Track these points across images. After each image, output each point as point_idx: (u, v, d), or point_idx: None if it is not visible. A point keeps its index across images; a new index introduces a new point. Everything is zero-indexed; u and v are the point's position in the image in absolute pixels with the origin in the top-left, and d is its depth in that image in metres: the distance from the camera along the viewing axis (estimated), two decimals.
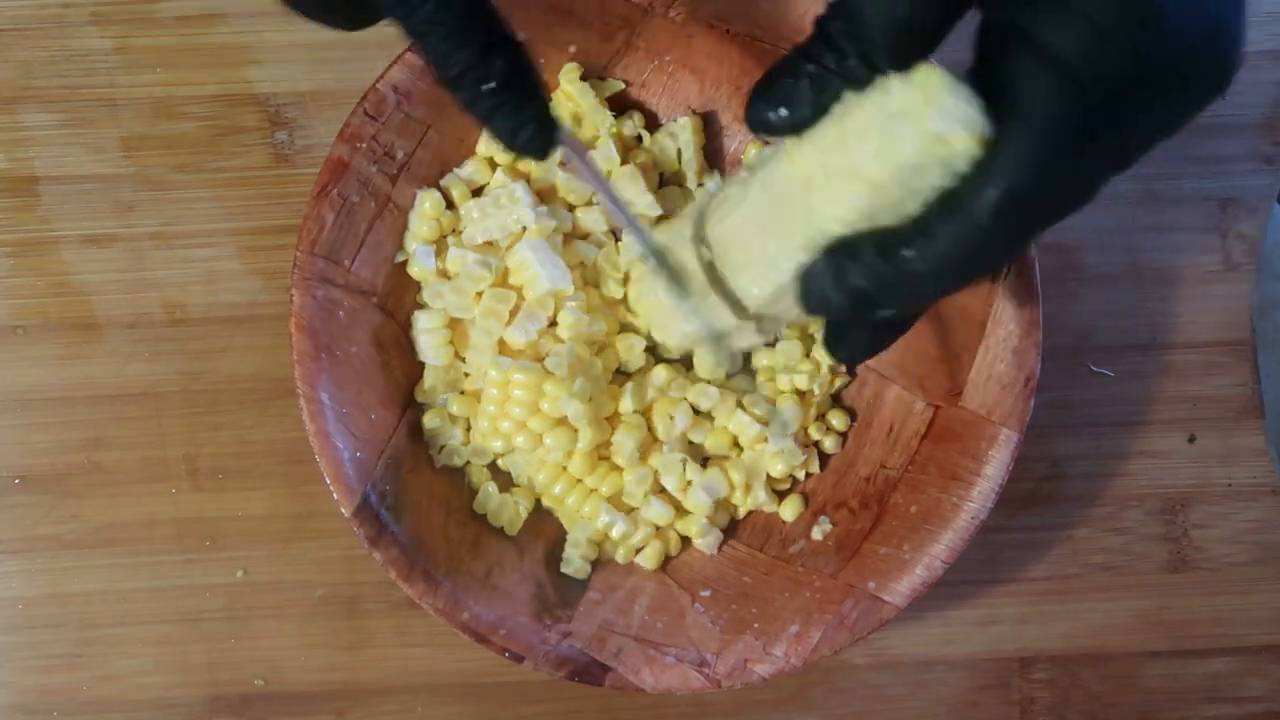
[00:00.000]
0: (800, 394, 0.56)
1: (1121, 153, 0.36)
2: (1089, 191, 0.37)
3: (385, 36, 0.55)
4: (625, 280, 0.55)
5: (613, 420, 0.55)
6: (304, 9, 0.42)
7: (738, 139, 0.57)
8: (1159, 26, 0.34)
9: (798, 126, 0.40)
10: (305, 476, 0.57)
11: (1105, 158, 0.36)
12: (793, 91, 0.39)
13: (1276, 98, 0.60)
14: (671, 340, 0.50)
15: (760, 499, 0.55)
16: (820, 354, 0.55)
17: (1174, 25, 0.34)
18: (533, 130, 0.42)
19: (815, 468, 0.56)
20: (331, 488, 0.51)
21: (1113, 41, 0.34)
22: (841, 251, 0.39)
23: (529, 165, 0.55)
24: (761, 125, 0.40)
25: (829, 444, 0.56)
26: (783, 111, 0.40)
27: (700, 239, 0.46)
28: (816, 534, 0.55)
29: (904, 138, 0.36)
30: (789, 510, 0.56)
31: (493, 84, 0.40)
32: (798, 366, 0.55)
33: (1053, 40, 0.34)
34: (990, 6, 0.36)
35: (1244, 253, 0.60)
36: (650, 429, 0.55)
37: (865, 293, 0.39)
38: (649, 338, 0.54)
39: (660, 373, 0.55)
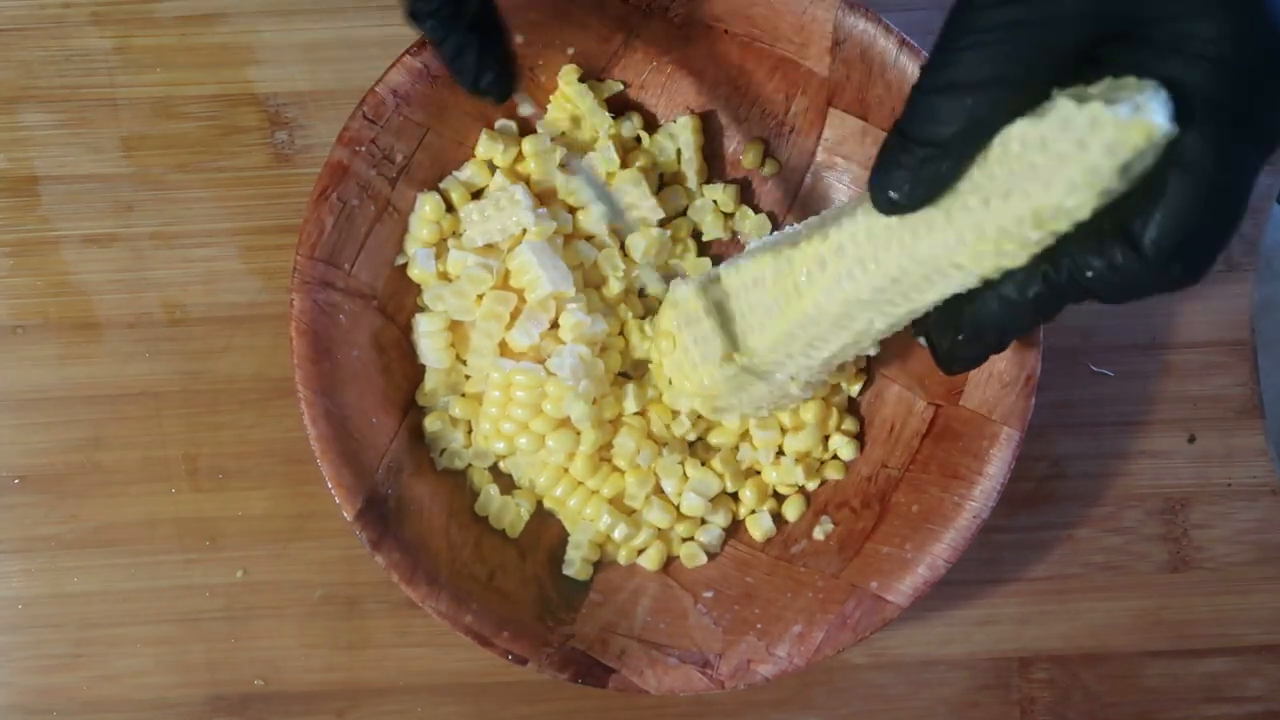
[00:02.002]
0: (823, 400, 0.56)
1: (1269, 145, 0.37)
2: (1245, 195, 0.38)
3: (385, 36, 0.56)
4: (651, 337, 0.55)
5: (615, 422, 0.55)
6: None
7: (736, 139, 0.57)
8: (1274, 44, 0.36)
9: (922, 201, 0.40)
10: (305, 476, 0.57)
11: (1251, 159, 0.37)
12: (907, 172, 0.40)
13: None
14: (696, 395, 0.52)
15: (767, 525, 0.56)
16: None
17: None
18: (495, 72, 0.43)
19: (836, 474, 0.56)
20: (333, 492, 0.51)
21: (1236, 64, 0.35)
22: (1016, 277, 0.40)
23: (528, 168, 0.55)
24: (887, 206, 0.41)
25: (846, 452, 0.56)
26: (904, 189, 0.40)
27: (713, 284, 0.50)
28: (818, 534, 0.55)
29: (1102, 144, 0.36)
30: (791, 510, 0.56)
31: (463, 22, 0.42)
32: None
33: (1181, 77, 0.36)
34: (1097, 64, 0.37)
35: (1244, 253, 0.60)
36: (650, 433, 0.55)
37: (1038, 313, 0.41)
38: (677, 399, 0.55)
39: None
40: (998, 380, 0.53)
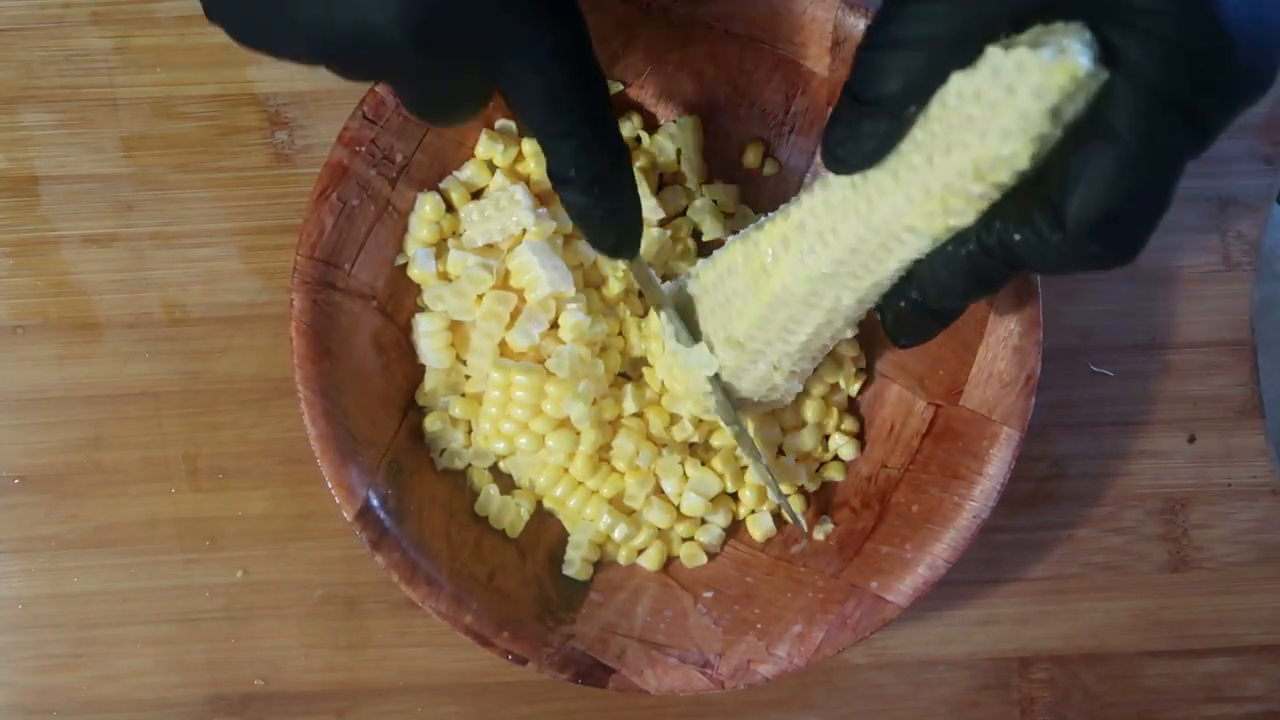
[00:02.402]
0: (822, 398, 0.56)
1: (1200, 137, 0.37)
2: (1169, 178, 0.37)
3: None
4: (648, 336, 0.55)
5: (614, 423, 0.55)
6: (427, 115, 0.45)
7: (736, 140, 0.57)
8: (1218, 33, 0.35)
9: (870, 160, 0.41)
10: (305, 476, 0.57)
11: (1179, 144, 0.37)
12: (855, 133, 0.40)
13: (1277, 98, 0.60)
14: (685, 398, 0.53)
15: (767, 525, 0.56)
16: (844, 350, 0.56)
17: (1232, 32, 0.35)
18: (633, 240, 0.46)
19: (836, 475, 0.56)
20: (333, 492, 0.51)
21: (1176, 46, 0.35)
22: (950, 245, 0.41)
23: (528, 168, 0.55)
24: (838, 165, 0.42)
25: (847, 451, 0.56)
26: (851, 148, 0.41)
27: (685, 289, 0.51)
28: (818, 534, 0.55)
29: (1029, 88, 0.36)
30: (795, 505, 0.56)
31: (615, 195, 0.44)
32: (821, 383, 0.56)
33: (1119, 45, 0.35)
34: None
35: (1244, 252, 0.60)
36: (650, 434, 0.55)
37: (973, 282, 0.41)
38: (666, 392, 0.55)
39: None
40: (998, 380, 0.53)
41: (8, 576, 0.58)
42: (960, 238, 0.41)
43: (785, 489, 0.56)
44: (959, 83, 0.37)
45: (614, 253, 0.46)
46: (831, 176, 0.43)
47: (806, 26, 0.53)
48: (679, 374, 0.52)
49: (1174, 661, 0.60)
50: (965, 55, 0.37)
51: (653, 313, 0.53)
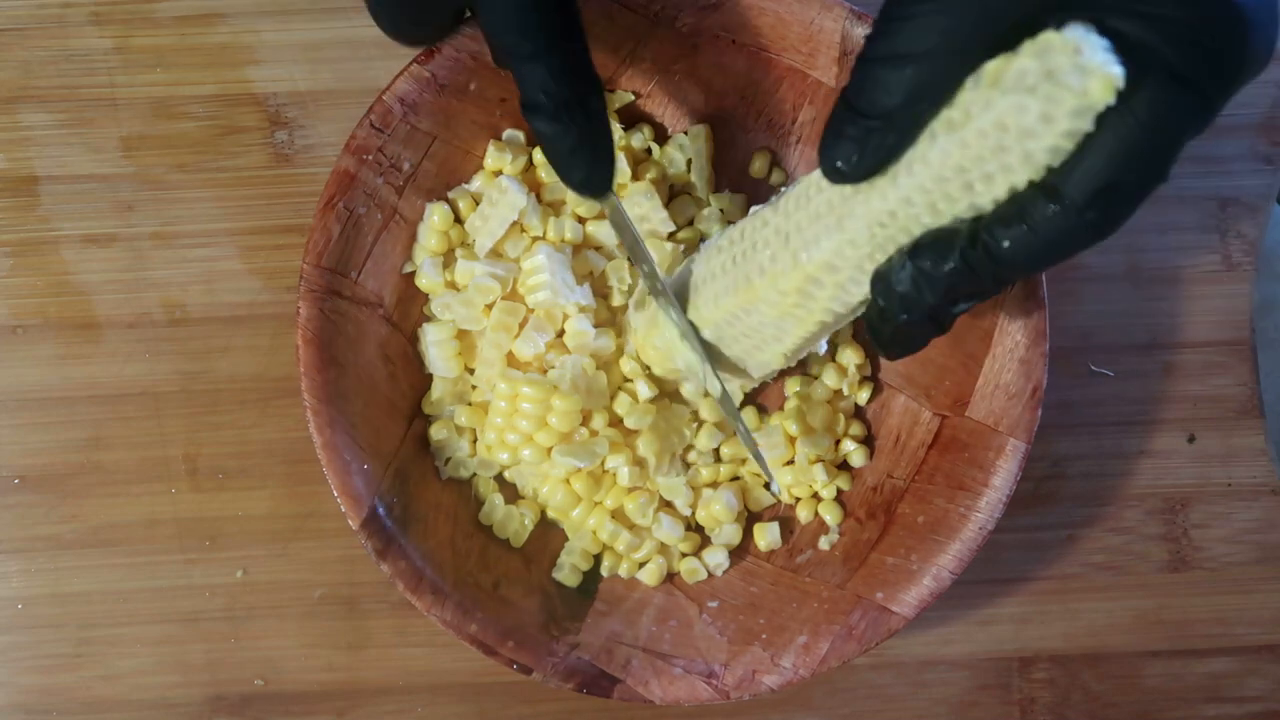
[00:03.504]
0: (829, 403, 0.56)
1: (1208, 114, 0.37)
2: (1173, 157, 0.38)
3: (384, 36, 0.55)
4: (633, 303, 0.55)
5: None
6: (389, 24, 0.44)
7: (743, 149, 0.57)
8: (1240, 17, 0.35)
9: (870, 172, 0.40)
10: (305, 476, 0.57)
11: (1187, 124, 0.37)
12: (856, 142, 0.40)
13: (1276, 98, 0.60)
14: (661, 367, 0.52)
15: (773, 536, 0.56)
16: (847, 358, 0.56)
17: (1250, 14, 0.35)
18: (603, 171, 0.44)
19: (843, 484, 0.56)
20: (339, 500, 0.51)
21: (1184, 24, 0.35)
22: (929, 250, 0.40)
23: (539, 177, 0.55)
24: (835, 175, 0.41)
25: (857, 458, 0.56)
26: (853, 159, 0.40)
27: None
28: (824, 544, 0.55)
29: (1068, 112, 0.36)
30: (803, 511, 0.56)
31: (584, 123, 0.43)
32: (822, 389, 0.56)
33: (1127, 31, 0.35)
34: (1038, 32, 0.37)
35: (1244, 252, 0.60)
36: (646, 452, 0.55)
37: (955, 284, 0.40)
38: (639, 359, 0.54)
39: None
40: (1004, 392, 0.53)
41: (8, 576, 0.58)
42: (938, 250, 0.40)
43: (798, 493, 0.56)
44: (984, 119, 0.37)
45: (584, 188, 0.45)
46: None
47: (814, 37, 0.53)
48: (658, 327, 0.51)
49: (1174, 661, 0.60)
50: (968, 65, 0.37)
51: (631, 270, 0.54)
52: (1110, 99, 0.35)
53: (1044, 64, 0.36)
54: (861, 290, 0.43)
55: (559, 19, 0.42)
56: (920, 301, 0.41)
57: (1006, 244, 0.38)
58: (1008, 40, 0.37)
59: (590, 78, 0.43)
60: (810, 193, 0.44)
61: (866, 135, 0.39)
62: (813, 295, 0.44)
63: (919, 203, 0.40)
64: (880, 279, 0.42)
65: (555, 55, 0.42)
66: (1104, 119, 0.36)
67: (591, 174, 0.44)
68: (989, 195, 0.38)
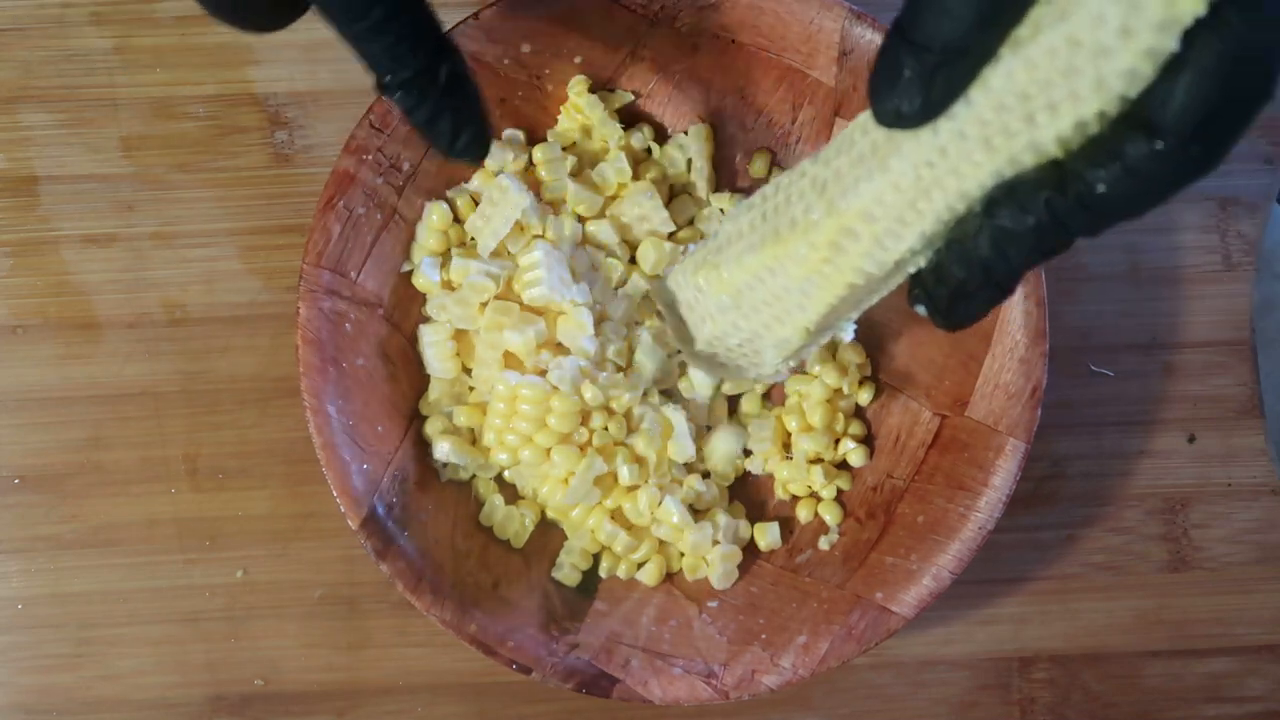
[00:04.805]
0: (829, 402, 0.56)
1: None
2: (1278, 70, 0.34)
3: None
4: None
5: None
6: (215, 8, 0.42)
7: (743, 149, 0.57)
8: None
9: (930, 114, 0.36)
10: (305, 476, 0.57)
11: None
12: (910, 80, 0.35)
13: (1276, 99, 0.60)
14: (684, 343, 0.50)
15: (773, 536, 0.56)
16: (848, 357, 0.56)
17: None
18: (472, 135, 0.42)
19: (843, 484, 0.56)
20: (339, 500, 0.51)
21: None
22: (1007, 204, 0.36)
23: (539, 175, 0.55)
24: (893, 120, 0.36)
25: (856, 458, 0.56)
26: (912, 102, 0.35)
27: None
28: (823, 544, 0.55)
29: (1150, 23, 0.31)
30: (803, 511, 0.56)
31: (436, 90, 0.41)
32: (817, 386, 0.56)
33: None
34: None
35: (1244, 252, 0.60)
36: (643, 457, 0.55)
37: (1041, 240, 0.36)
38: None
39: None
40: (1004, 392, 0.53)
41: (8, 576, 0.58)
42: (1018, 204, 0.36)
43: (796, 490, 0.56)
44: (1055, 34, 0.33)
45: (456, 156, 0.43)
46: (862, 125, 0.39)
47: (814, 36, 0.53)
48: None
49: (1174, 661, 0.60)
50: None
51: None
52: (1200, 9, 0.31)
53: None
54: (898, 247, 0.39)
55: None
56: (1003, 264, 0.37)
57: (1102, 189, 0.34)
58: None
59: (434, 47, 0.41)
60: (855, 136, 0.39)
61: (931, 72, 0.34)
62: (845, 250, 0.40)
63: (973, 137, 0.35)
64: (955, 246, 0.38)
65: (389, 34, 0.39)
66: (1194, 36, 0.32)
67: (453, 143, 0.43)
68: (1052, 129, 0.34)
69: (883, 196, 0.38)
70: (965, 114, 0.35)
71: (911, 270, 0.39)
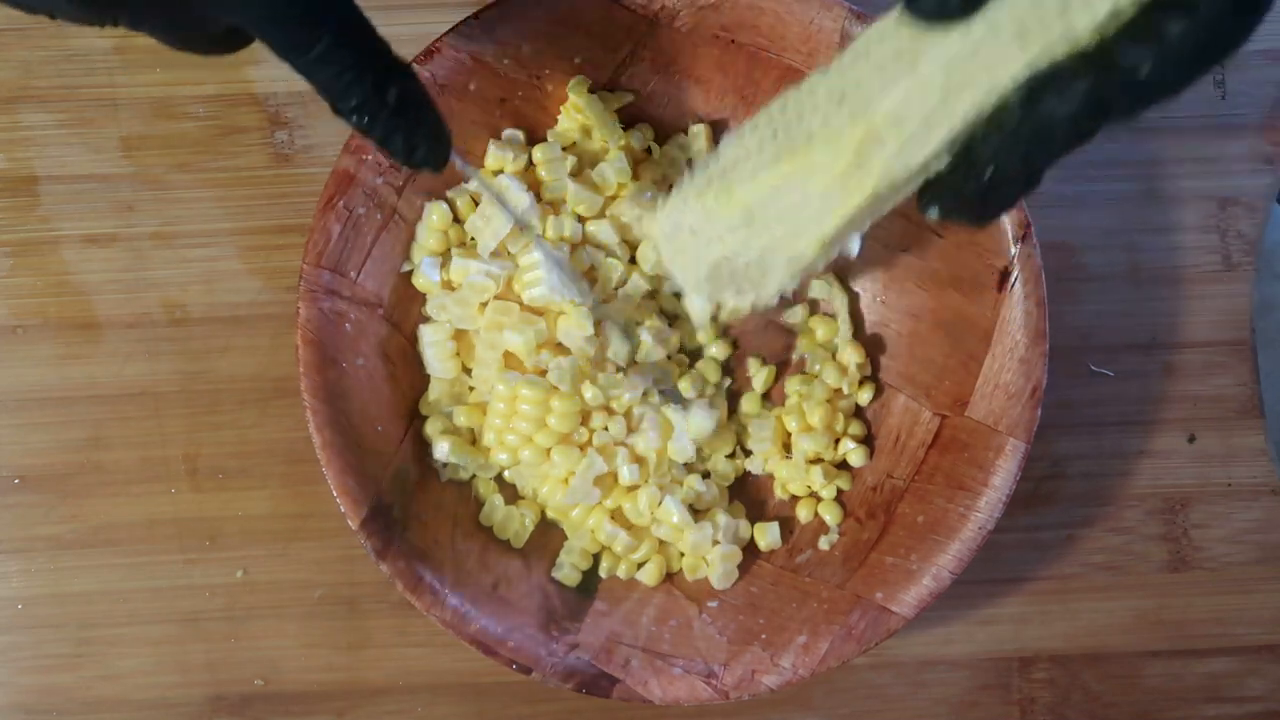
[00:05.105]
0: (829, 401, 0.56)
1: None
2: None
3: (383, 36, 0.55)
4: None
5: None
6: (157, 32, 0.41)
7: None
8: None
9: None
10: (305, 476, 0.57)
11: None
12: None
13: (1276, 98, 0.60)
14: (682, 275, 0.50)
15: (773, 536, 0.56)
16: (848, 358, 0.56)
17: None
18: (428, 146, 0.43)
19: (843, 484, 0.56)
20: (339, 500, 0.51)
21: None
22: (1048, 90, 0.35)
23: (539, 175, 0.55)
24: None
25: (856, 458, 0.56)
26: None
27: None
28: (823, 544, 0.55)
29: None
30: (803, 511, 0.56)
31: (385, 110, 0.41)
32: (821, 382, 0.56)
33: None
34: None
35: (1244, 252, 0.60)
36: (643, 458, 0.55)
37: (1084, 125, 0.35)
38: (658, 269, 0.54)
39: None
40: (1004, 391, 0.53)
41: (8, 576, 0.58)
42: (1066, 80, 0.35)
43: (796, 489, 0.56)
44: None
45: (416, 168, 0.44)
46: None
47: (813, 36, 0.53)
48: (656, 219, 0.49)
49: (1174, 661, 0.60)
50: None
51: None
52: None
53: None
54: (924, 150, 0.38)
55: (321, 26, 0.40)
56: (1044, 152, 0.36)
57: (1147, 69, 0.34)
58: None
59: (382, 71, 0.41)
60: (870, 46, 0.38)
61: None
62: (871, 156, 0.39)
63: (1007, 30, 0.35)
64: (992, 137, 0.37)
65: (334, 64, 0.40)
66: None
67: (410, 157, 0.43)
68: (1088, 17, 0.34)
69: (911, 99, 0.37)
70: (999, 8, 0.35)
71: (929, 174, 0.39)
